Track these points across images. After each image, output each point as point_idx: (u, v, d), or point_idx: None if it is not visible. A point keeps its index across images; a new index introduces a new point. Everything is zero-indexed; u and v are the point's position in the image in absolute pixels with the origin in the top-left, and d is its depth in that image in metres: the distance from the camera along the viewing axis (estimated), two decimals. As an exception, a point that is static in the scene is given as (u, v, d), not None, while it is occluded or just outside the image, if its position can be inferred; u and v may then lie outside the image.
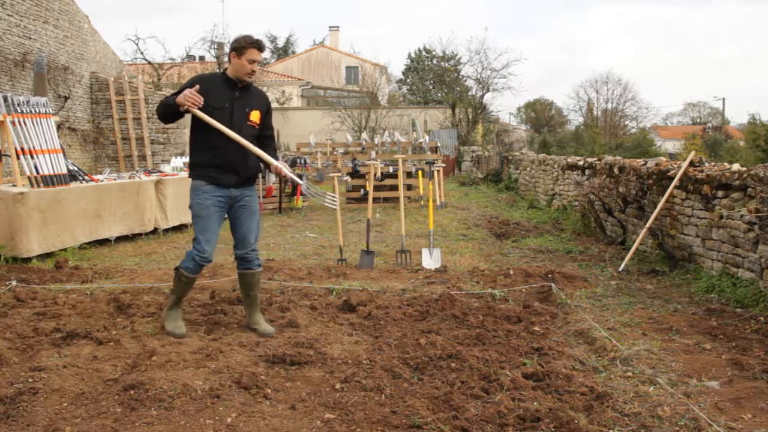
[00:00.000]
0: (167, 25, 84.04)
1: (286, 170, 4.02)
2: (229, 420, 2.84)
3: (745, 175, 5.23)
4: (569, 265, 6.52)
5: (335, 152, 13.98)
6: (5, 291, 5.06)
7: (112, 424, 2.78)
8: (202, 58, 28.60)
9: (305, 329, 4.17)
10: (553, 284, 5.30)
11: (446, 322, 4.36)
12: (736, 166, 5.67)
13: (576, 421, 2.81)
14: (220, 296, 4.96)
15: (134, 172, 9.51)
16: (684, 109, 58.51)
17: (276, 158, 4.18)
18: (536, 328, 4.29)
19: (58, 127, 11.63)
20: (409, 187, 12.65)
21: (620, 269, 6.13)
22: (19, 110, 7.20)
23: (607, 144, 33.95)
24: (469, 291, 5.28)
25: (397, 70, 53.71)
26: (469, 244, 7.95)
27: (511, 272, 5.89)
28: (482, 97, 27.77)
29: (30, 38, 13.12)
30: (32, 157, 7.10)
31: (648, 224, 6.38)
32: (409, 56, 41.12)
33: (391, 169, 12.67)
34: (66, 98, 14.33)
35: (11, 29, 12.47)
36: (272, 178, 11.80)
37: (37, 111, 7.43)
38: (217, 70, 23.14)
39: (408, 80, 40.69)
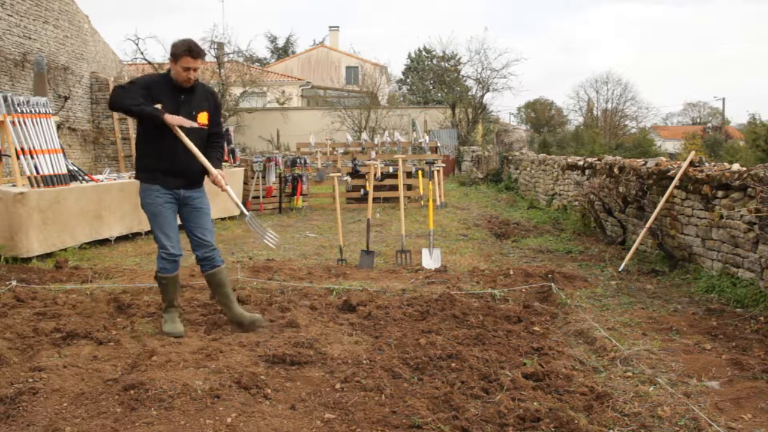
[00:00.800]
0: (167, 25, 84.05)
1: (223, 183, 4.07)
2: (229, 420, 2.84)
3: (745, 175, 5.23)
4: (569, 265, 6.52)
5: (335, 152, 13.97)
6: (5, 291, 5.06)
7: (112, 424, 2.78)
8: (202, 58, 28.51)
9: (305, 329, 4.17)
10: (553, 284, 5.30)
11: (446, 322, 4.36)
12: (736, 166, 5.67)
13: (576, 421, 2.82)
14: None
15: (134, 172, 9.49)
16: (684, 109, 58.56)
17: (221, 156, 4.26)
18: (536, 328, 4.29)
19: (58, 127, 11.62)
20: (409, 187, 12.65)
21: (620, 269, 6.13)
22: (19, 110, 7.20)
23: (607, 144, 33.95)
24: (469, 291, 5.28)
25: (397, 70, 53.78)
26: (469, 244, 7.95)
27: (511, 272, 5.89)
28: (482, 97, 27.75)
29: (30, 38, 13.12)
30: (32, 157, 7.10)
31: (648, 224, 6.38)
32: (409, 56, 41.15)
33: (391, 169, 12.67)
34: (66, 98, 14.33)
35: (11, 29, 12.46)
36: (272, 178, 11.80)
37: (37, 111, 7.44)
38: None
39: (408, 80, 40.68)
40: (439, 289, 5.26)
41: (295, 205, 12.08)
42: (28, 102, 7.38)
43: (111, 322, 4.31)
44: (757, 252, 4.96)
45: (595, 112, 47.44)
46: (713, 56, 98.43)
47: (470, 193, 15.47)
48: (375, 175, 11.70)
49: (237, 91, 24.57)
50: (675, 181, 6.20)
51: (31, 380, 3.21)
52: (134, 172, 4.18)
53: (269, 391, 3.17)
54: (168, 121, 3.87)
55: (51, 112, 7.94)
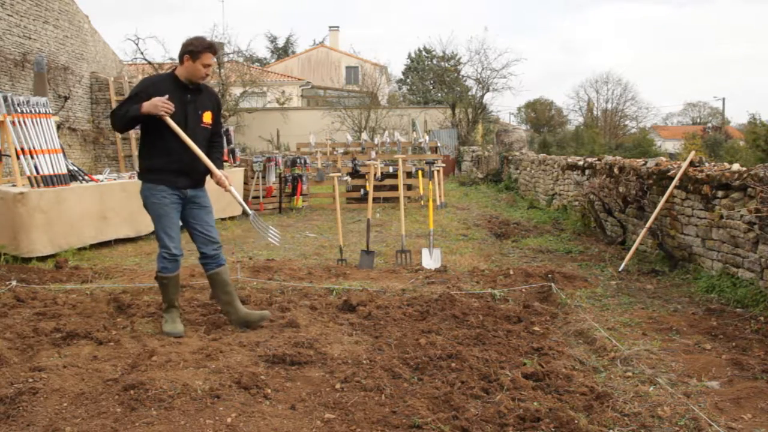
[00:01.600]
0: (167, 25, 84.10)
1: (227, 183, 4.12)
2: (229, 420, 2.84)
3: (745, 175, 5.23)
4: (569, 265, 6.52)
5: (335, 152, 13.97)
6: (5, 291, 5.06)
7: (112, 424, 2.78)
8: (202, 58, 28.53)
9: (305, 329, 4.17)
10: (553, 284, 5.30)
11: (446, 322, 4.36)
12: (736, 166, 5.67)
13: (576, 421, 2.82)
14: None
15: (134, 172, 9.50)
16: (684, 109, 58.56)
17: (221, 155, 4.32)
18: (536, 328, 4.29)
19: (58, 127, 11.63)
20: (409, 187, 12.65)
21: (620, 269, 6.13)
22: (19, 110, 7.20)
23: (607, 144, 33.97)
24: (469, 291, 5.28)
25: (397, 70, 53.77)
26: (469, 244, 7.95)
27: (511, 272, 5.89)
28: (482, 97, 27.75)
29: (30, 38, 13.11)
30: (32, 157, 7.10)
31: (648, 224, 6.38)
32: (409, 56, 41.16)
33: (391, 169, 12.66)
34: (66, 98, 14.33)
35: (11, 29, 12.46)
36: (272, 178, 11.80)
37: (37, 111, 7.43)
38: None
39: (408, 80, 40.68)
40: (439, 289, 5.26)
41: (295, 205, 12.08)
42: (28, 102, 7.38)
43: (111, 322, 4.31)
44: (757, 252, 4.96)
45: (595, 112, 47.45)
46: (713, 56, 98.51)
47: (470, 193, 15.47)
48: (375, 175, 11.70)
49: (237, 91, 24.56)
50: (675, 181, 6.20)
51: (31, 380, 3.20)
52: (136, 171, 4.16)
53: (269, 391, 3.17)
54: (149, 110, 3.84)
55: (51, 112, 7.94)
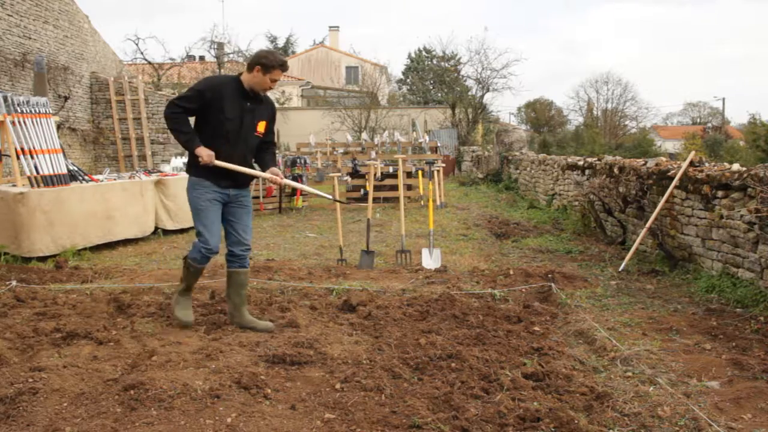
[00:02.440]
0: (167, 25, 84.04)
1: (279, 178, 4.22)
2: (229, 420, 2.84)
3: (745, 175, 5.23)
4: (569, 265, 6.52)
5: (335, 152, 13.98)
6: (5, 291, 5.06)
7: (112, 424, 2.78)
8: (202, 58, 28.60)
9: (305, 329, 4.17)
10: (553, 284, 5.30)
11: (446, 322, 4.36)
12: (736, 166, 5.67)
13: (576, 421, 2.82)
14: (220, 296, 4.95)
15: (134, 172, 9.51)
16: (684, 109, 58.48)
17: (275, 161, 4.39)
18: (536, 328, 4.29)
19: (58, 127, 11.62)
20: (409, 187, 12.65)
21: (620, 269, 6.13)
22: (19, 110, 7.20)
23: (607, 144, 33.96)
24: (469, 291, 5.28)
25: (397, 70, 53.68)
26: (469, 244, 7.95)
27: (511, 272, 5.89)
28: (482, 97, 27.76)
29: (30, 38, 13.11)
30: (32, 157, 7.10)
31: (648, 224, 6.38)
32: (409, 56, 41.11)
33: (391, 169, 12.67)
34: (66, 98, 14.33)
35: (11, 29, 12.46)
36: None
37: (37, 111, 7.43)
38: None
39: (408, 80, 40.66)
40: (439, 289, 5.26)
41: (295, 205, 12.07)
42: (28, 102, 7.38)
43: (111, 322, 4.31)
44: (757, 252, 4.96)
45: (595, 112, 47.42)
46: (713, 56, 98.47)
47: (470, 193, 15.47)
48: (375, 175, 11.70)
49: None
50: (675, 181, 6.20)
51: (31, 380, 3.20)
52: (186, 166, 4.33)
53: (269, 391, 3.17)
54: (203, 158, 3.95)
55: (51, 112, 7.94)
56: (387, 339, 4.00)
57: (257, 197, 11.60)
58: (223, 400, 3.03)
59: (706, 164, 6.25)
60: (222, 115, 4.00)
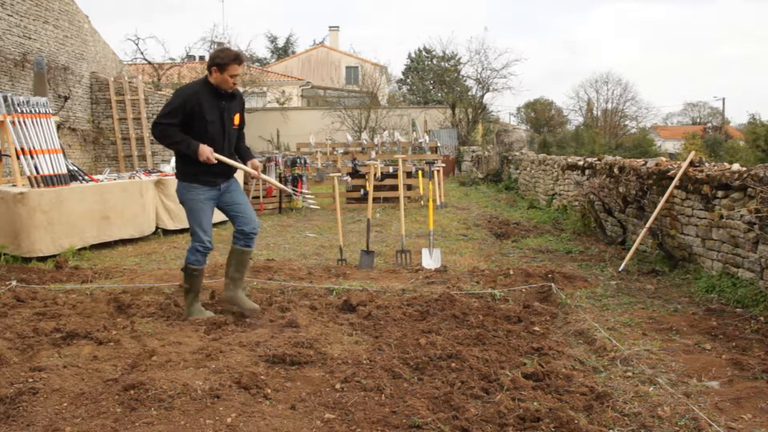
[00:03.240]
0: (167, 25, 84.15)
1: (257, 172, 4.52)
2: (229, 420, 2.84)
3: (745, 175, 5.23)
4: (569, 265, 6.52)
5: (335, 152, 13.96)
6: (5, 291, 5.06)
7: (112, 424, 2.78)
8: (201, 58, 28.56)
9: (305, 329, 4.17)
10: (553, 284, 5.30)
11: (446, 322, 4.36)
12: (736, 166, 5.67)
13: (576, 421, 2.82)
14: (220, 296, 4.95)
15: (134, 172, 9.50)
16: (684, 109, 58.46)
17: (251, 153, 4.68)
18: (536, 328, 4.29)
19: (58, 127, 11.61)
20: (409, 187, 12.65)
21: (620, 269, 6.13)
22: (19, 110, 7.20)
23: (607, 144, 33.95)
24: (469, 291, 5.28)
25: (397, 70, 53.69)
26: (469, 244, 7.95)
27: (511, 272, 5.89)
28: (482, 97, 27.75)
29: (30, 38, 13.11)
30: (32, 157, 7.10)
31: (648, 224, 6.38)
32: (409, 56, 41.16)
33: (391, 169, 12.66)
34: (66, 98, 14.33)
35: (11, 29, 12.46)
36: (272, 178, 11.78)
37: (37, 111, 7.44)
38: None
39: (408, 80, 40.67)
40: (439, 289, 5.26)
41: (294, 205, 12.07)
42: (28, 102, 7.38)
43: (111, 322, 4.31)
44: (757, 252, 4.96)
45: (595, 112, 47.43)
46: (713, 56, 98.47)
47: (470, 193, 15.47)
48: (375, 175, 11.70)
49: (237, 91, 24.53)
50: (675, 181, 6.20)
51: (31, 380, 3.20)
52: (174, 171, 4.60)
53: (269, 391, 3.17)
54: (204, 157, 4.15)
55: (51, 112, 7.94)
56: (387, 339, 4.00)
57: (257, 197, 11.60)
58: (223, 400, 3.03)
59: (706, 164, 6.25)
60: (204, 120, 4.20)
